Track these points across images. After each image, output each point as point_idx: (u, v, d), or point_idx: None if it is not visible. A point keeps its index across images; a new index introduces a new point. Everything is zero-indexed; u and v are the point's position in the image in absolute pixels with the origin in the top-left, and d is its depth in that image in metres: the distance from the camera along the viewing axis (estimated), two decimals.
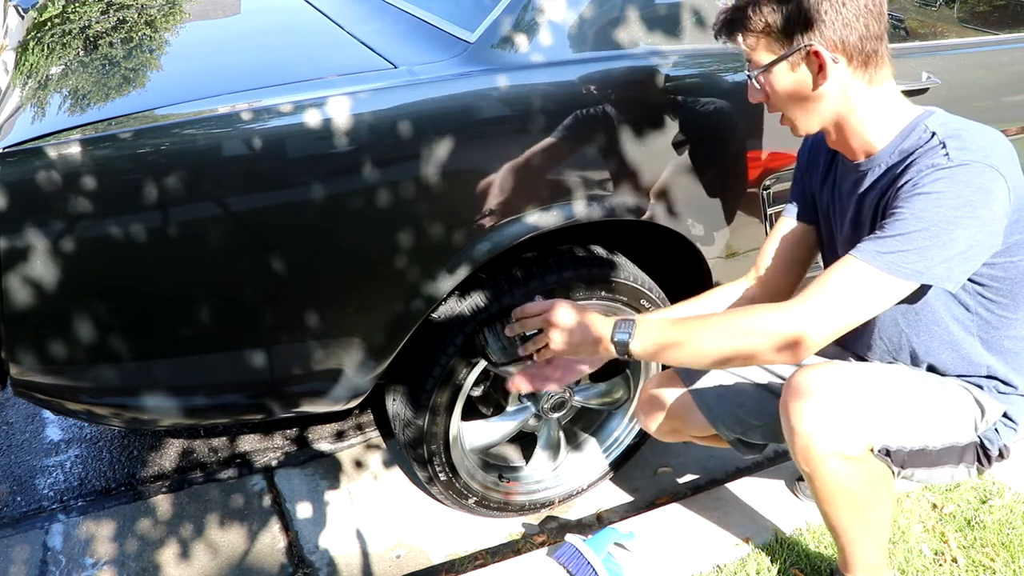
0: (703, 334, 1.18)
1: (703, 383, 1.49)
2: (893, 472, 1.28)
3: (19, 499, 1.89)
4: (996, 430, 1.33)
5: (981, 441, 1.32)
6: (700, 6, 1.52)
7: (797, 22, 1.14)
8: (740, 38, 1.20)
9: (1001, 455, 1.34)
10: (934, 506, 1.74)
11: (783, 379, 1.44)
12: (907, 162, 1.17)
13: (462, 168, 1.35)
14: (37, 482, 1.94)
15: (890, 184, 1.19)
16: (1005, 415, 1.32)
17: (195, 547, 1.79)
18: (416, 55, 1.44)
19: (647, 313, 1.43)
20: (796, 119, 1.24)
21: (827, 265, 1.42)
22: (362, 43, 1.53)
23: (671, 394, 1.51)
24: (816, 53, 1.15)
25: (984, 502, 1.74)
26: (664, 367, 1.73)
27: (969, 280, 1.21)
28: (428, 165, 1.32)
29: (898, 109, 1.22)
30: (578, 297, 1.59)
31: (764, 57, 1.19)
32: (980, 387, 1.32)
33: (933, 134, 1.16)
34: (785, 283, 1.46)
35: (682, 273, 1.79)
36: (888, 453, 1.25)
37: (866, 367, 1.30)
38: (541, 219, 1.44)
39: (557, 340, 1.28)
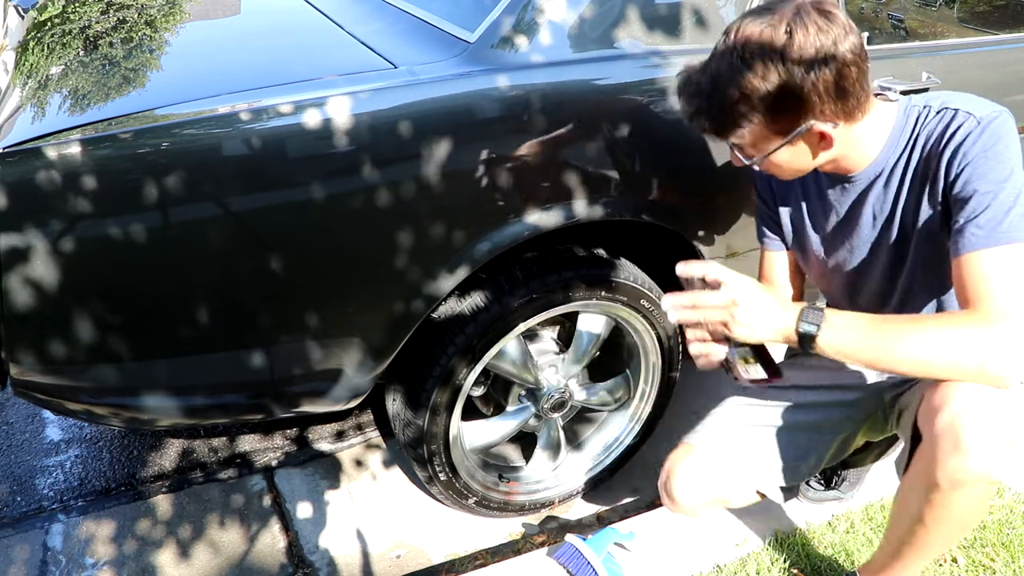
0: (908, 339, 1.08)
1: (733, 454, 1.40)
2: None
3: (19, 499, 1.89)
4: None
5: None
6: (700, 6, 1.52)
7: (794, 109, 1.11)
8: (721, 133, 1.16)
9: None
10: None
11: (810, 407, 1.42)
12: (917, 143, 1.17)
13: (462, 168, 1.35)
14: (37, 482, 1.94)
15: (916, 167, 1.18)
16: None
17: (195, 547, 1.79)
18: (416, 55, 1.44)
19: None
20: (792, 175, 1.24)
21: (817, 278, 1.44)
22: (362, 43, 1.53)
23: (704, 478, 1.39)
24: (820, 132, 1.13)
25: None
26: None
27: None
28: (428, 165, 1.32)
29: (882, 116, 1.21)
30: (578, 297, 1.59)
31: (756, 143, 1.16)
32: None
33: (928, 107, 1.17)
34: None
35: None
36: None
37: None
38: (541, 219, 1.44)
39: (740, 322, 1.13)
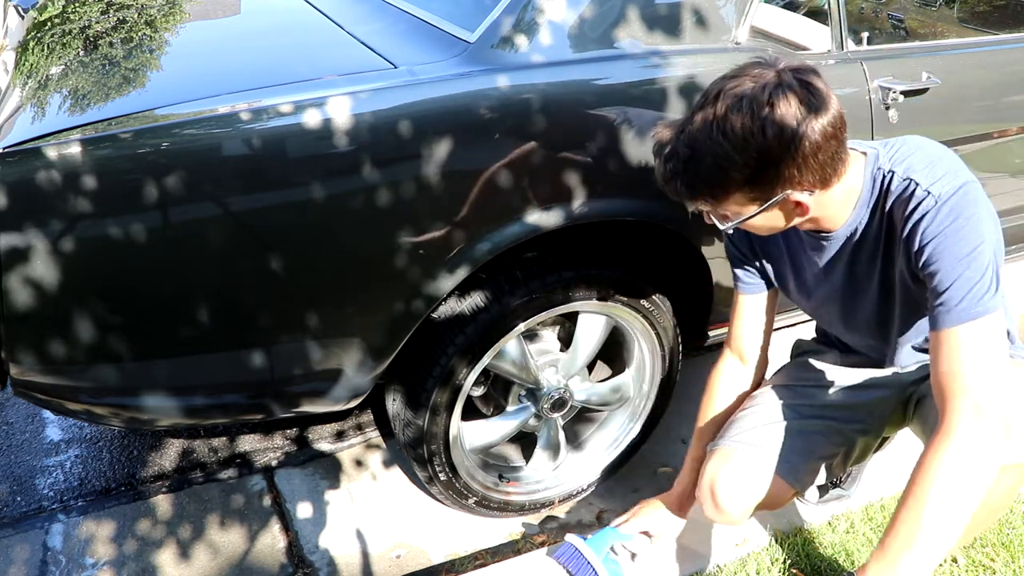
0: (939, 531, 1.06)
1: (770, 454, 1.41)
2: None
3: (19, 499, 1.89)
4: None
5: None
6: (700, 6, 1.52)
7: (771, 181, 1.11)
8: (698, 200, 1.16)
9: None
10: None
11: (833, 406, 1.45)
12: (885, 206, 1.19)
13: (462, 168, 1.35)
14: (37, 482, 1.94)
15: (886, 230, 1.21)
16: None
17: (195, 547, 1.79)
18: (416, 55, 1.44)
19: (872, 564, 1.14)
20: (767, 233, 1.25)
21: (804, 308, 1.47)
22: (362, 43, 1.53)
23: (749, 482, 1.39)
24: (796, 202, 1.14)
25: None
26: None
27: None
28: (428, 165, 1.32)
29: (853, 176, 1.20)
30: (578, 297, 1.59)
31: (734, 208, 1.16)
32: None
33: (892, 172, 1.17)
34: (763, 353, 1.50)
35: (682, 273, 1.79)
36: None
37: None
38: (541, 219, 1.44)
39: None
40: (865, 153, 1.21)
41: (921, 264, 1.13)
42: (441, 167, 1.33)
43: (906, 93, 1.71)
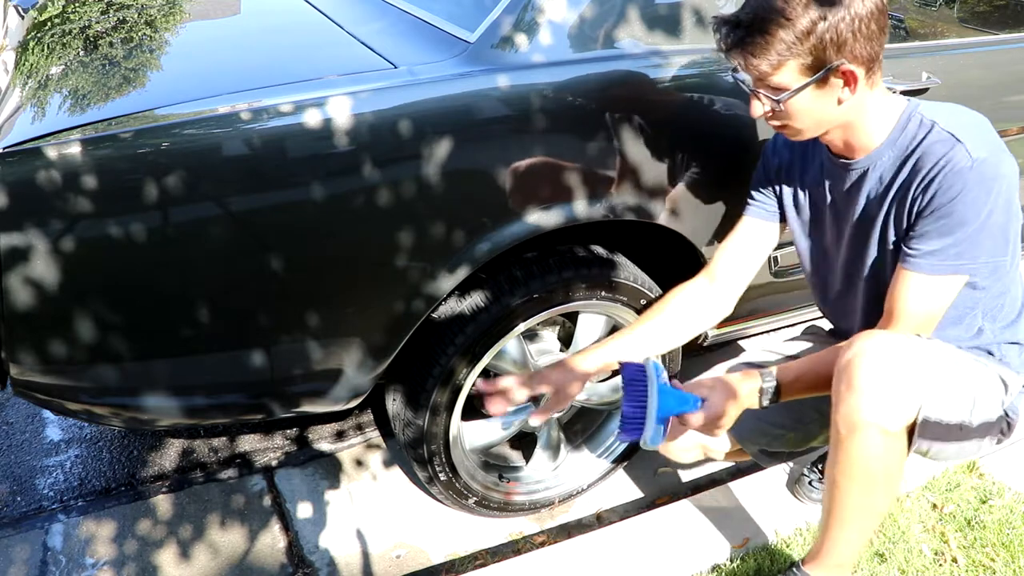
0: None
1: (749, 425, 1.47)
2: (919, 449, 1.27)
3: (19, 499, 1.89)
4: (1016, 401, 1.36)
5: (1006, 413, 1.34)
6: (701, 6, 1.52)
7: (830, 42, 1.14)
8: (758, 62, 1.18)
9: (1016, 422, 1.37)
10: (934, 506, 1.74)
11: None
12: (915, 154, 1.22)
13: (462, 168, 1.35)
14: (37, 482, 1.94)
15: (905, 178, 1.24)
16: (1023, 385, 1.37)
17: (195, 547, 1.79)
18: (416, 55, 1.44)
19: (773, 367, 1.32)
20: (804, 130, 1.26)
21: (806, 260, 1.50)
22: (362, 43, 1.53)
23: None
24: (848, 72, 1.17)
25: (984, 502, 1.74)
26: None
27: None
28: (428, 165, 1.32)
29: (890, 104, 1.26)
30: (578, 297, 1.59)
31: (788, 79, 1.18)
32: (991, 354, 1.36)
33: (934, 124, 1.21)
34: (737, 282, 1.51)
35: (682, 273, 1.79)
36: (926, 425, 1.22)
37: (922, 339, 1.27)
38: (541, 219, 1.44)
39: (715, 423, 1.28)
40: (907, 100, 1.26)
41: (929, 210, 1.20)
42: (441, 167, 1.33)
43: (906, 93, 1.71)
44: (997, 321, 1.36)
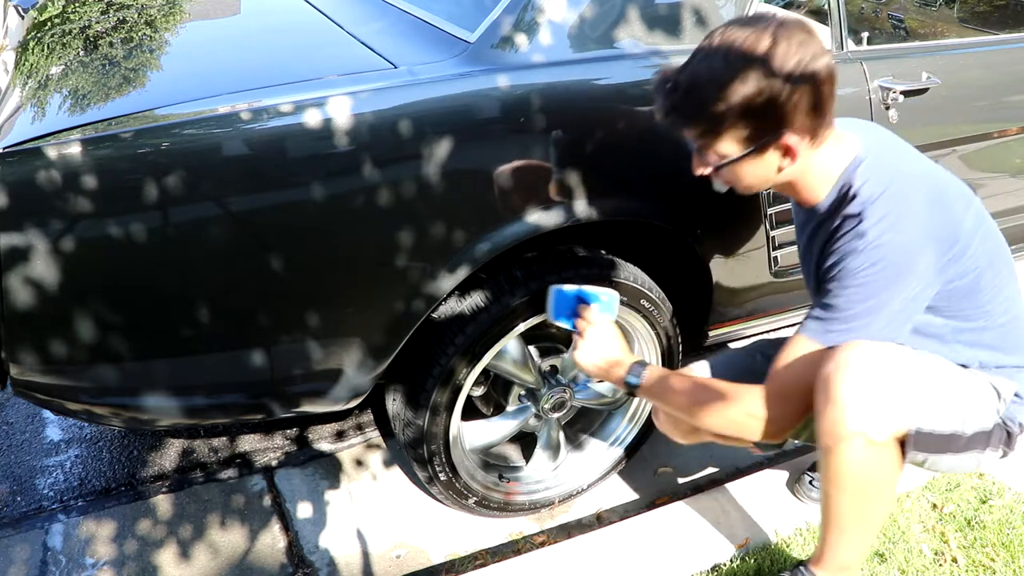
0: (694, 409, 1.32)
1: (737, 369, 1.48)
2: (915, 460, 1.28)
3: (19, 499, 1.89)
4: (1012, 410, 1.36)
5: (1004, 422, 1.34)
6: (701, 6, 1.52)
7: (769, 117, 1.13)
8: (691, 132, 1.19)
9: (1020, 431, 1.36)
10: (934, 506, 1.74)
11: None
12: (836, 219, 1.24)
13: (462, 168, 1.35)
14: (37, 482, 1.94)
15: (827, 239, 1.26)
16: (1016, 394, 1.36)
17: (195, 547, 1.79)
18: (416, 55, 1.44)
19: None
20: (747, 189, 1.27)
21: (801, 264, 1.52)
22: (362, 43, 1.53)
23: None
24: (787, 145, 1.17)
25: (984, 502, 1.74)
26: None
27: (925, 312, 1.27)
28: (428, 165, 1.32)
29: (837, 158, 1.24)
30: None
31: (725, 148, 1.18)
32: (984, 366, 1.35)
33: (857, 193, 1.21)
34: None
35: (682, 273, 1.79)
36: (918, 437, 1.24)
37: (908, 351, 1.29)
38: (541, 219, 1.44)
39: (580, 356, 1.43)
40: (855, 153, 1.24)
41: (829, 274, 1.23)
42: (441, 167, 1.33)
43: (906, 93, 1.71)
44: (984, 347, 1.35)
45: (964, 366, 1.36)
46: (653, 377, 1.38)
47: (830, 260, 1.22)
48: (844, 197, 1.23)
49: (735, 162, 1.19)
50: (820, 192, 1.27)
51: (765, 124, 1.14)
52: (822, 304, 1.23)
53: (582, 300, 1.47)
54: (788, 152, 1.17)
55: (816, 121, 1.15)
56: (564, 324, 1.50)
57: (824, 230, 1.28)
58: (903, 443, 1.25)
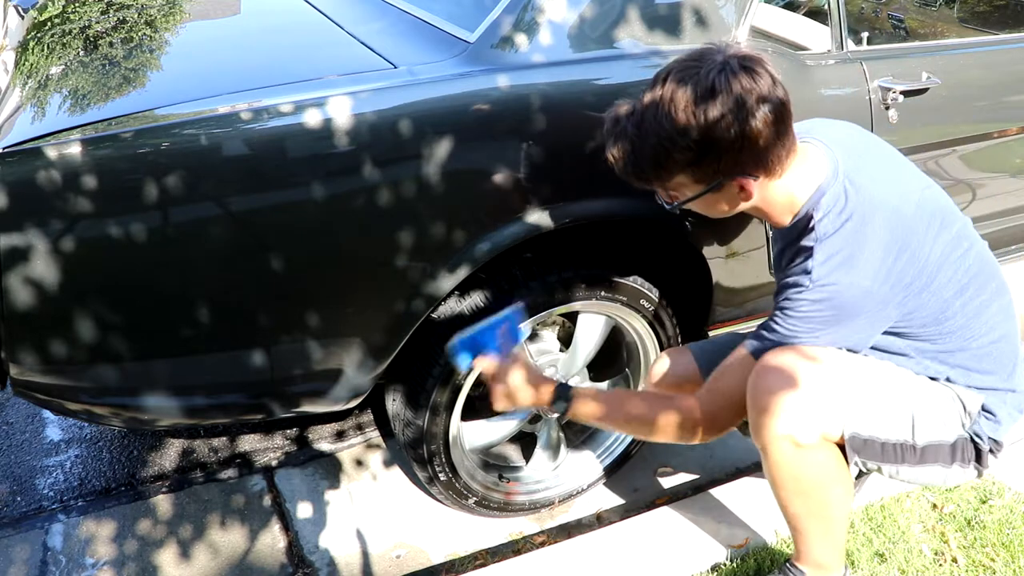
0: (624, 423, 1.37)
1: (710, 360, 1.48)
2: (868, 468, 1.29)
3: (19, 499, 1.89)
4: (979, 425, 1.32)
5: (971, 437, 1.32)
6: (700, 6, 1.52)
7: (715, 163, 1.15)
8: (642, 180, 1.21)
9: (991, 451, 1.33)
10: (934, 506, 1.74)
11: None
12: (795, 247, 1.24)
13: (462, 168, 1.35)
14: (37, 482, 1.94)
15: (787, 262, 1.27)
16: (984, 408, 1.32)
17: (195, 547, 1.79)
18: (416, 55, 1.44)
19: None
20: (718, 216, 1.30)
21: None
22: (362, 43, 1.53)
23: (679, 371, 1.53)
24: (741, 183, 1.18)
25: (984, 502, 1.74)
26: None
27: (885, 334, 1.28)
28: (428, 165, 1.32)
29: (801, 184, 1.23)
30: (578, 296, 1.59)
31: (681, 187, 1.21)
32: (952, 381, 1.33)
33: (812, 229, 1.21)
34: None
35: (683, 273, 1.79)
36: (857, 443, 1.25)
37: (845, 356, 1.28)
38: (541, 219, 1.44)
39: (500, 398, 1.37)
40: (822, 180, 1.23)
41: (776, 300, 1.25)
42: (441, 167, 1.33)
43: (906, 93, 1.71)
44: (955, 366, 1.33)
45: (933, 379, 1.33)
46: (581, 403, 1.36)
47: (783, 283, 1.24)
48: (804, 228, 1.23)
49: (693, 199, 1.23)
50: (784, 219, 1.27)
51: (714, 171, 1.16)
52: (766, 324, 1.25)
53: (477, 343, 1.36)
54: (743, 189, 1.19)
55: (766, 159, 1.16)
56: (466, 366, 1.39)
57: (786, 254, 1.29)
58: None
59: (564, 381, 1.41)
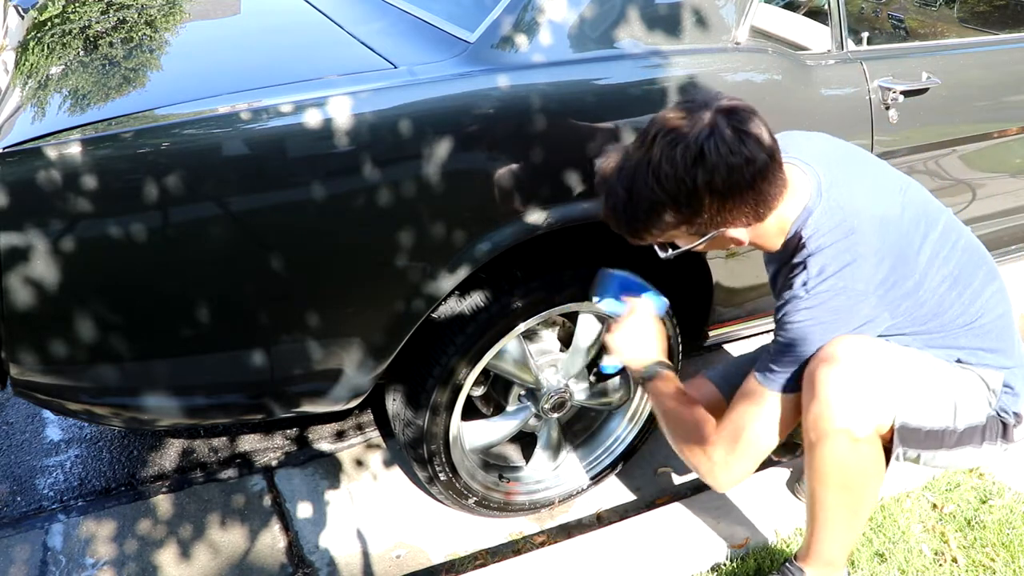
0: (671, 427, 1.39)
1: (732, 385, 1.48)
2: (908, 457, 1.30)
3: (19, 499, 1.89)
4: (1003, 401, 1.35)
5: (998, 414, 1.34)
6: (700, 6, 1.52)
7: (707, 222, 1.18)
8: (638, 237, 1.24)
9: (1016, 424, 1.36)
10: (934, 506, 1.74)
11: None
12: (788, 265, 1.27)
13: (462, 168, 1.35)
14: (37, 482, 1.94)
15: (782, 281, 1.30)
16: (1005, 384, 1.35)
17: (195, 547, 1.79)
18: (416, 55, 1.44)
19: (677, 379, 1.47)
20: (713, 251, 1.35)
21: None
22: (362, 43, 1.53)
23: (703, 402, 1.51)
24: (731, 236, 1.21)
25: (984, 502, 1.74)
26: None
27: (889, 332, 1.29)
28: (428, 165, 1.32)
29: (788, 211, 1.25)
30: (578, 296, 1.59)
31: (678, 241, 1.25)
32: (964, 362, 1.35)
33: (803, 246, 1.23)
34: None
35: (683, 273, 1.79)
36: (905, 432, 1.27)
37: (894, 347, 1.30)
38: (541, 219, 1.44)
39: (616, 338, 1.46)
40: (807, 200, 1.24)
41: (776, 320, 1.28)
42: (441, 167, 1.33)
43: (906, 93, 1.71)
44: (961, 348, 1.35)
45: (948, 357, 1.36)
46: (662, 382, 1.41)
47: (779, 303, 1.26)
48: (796, 247, 1.26)
49: (685, 251, 1.26)
50: (775, 244, 1.29)
51: (707, 226, 1.19)
52: (771, 347, 1.28)
53: (628, 288, 1.49)
54: (734, 239, 1.23)
55: (756, 210, 1.18)
56: (610, 307, 1.50)
57: (782, 274, 1.31)
58: (890, 439, 1.27)
59: (668, 368, 1.45)
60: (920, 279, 1.24)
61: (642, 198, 1.16)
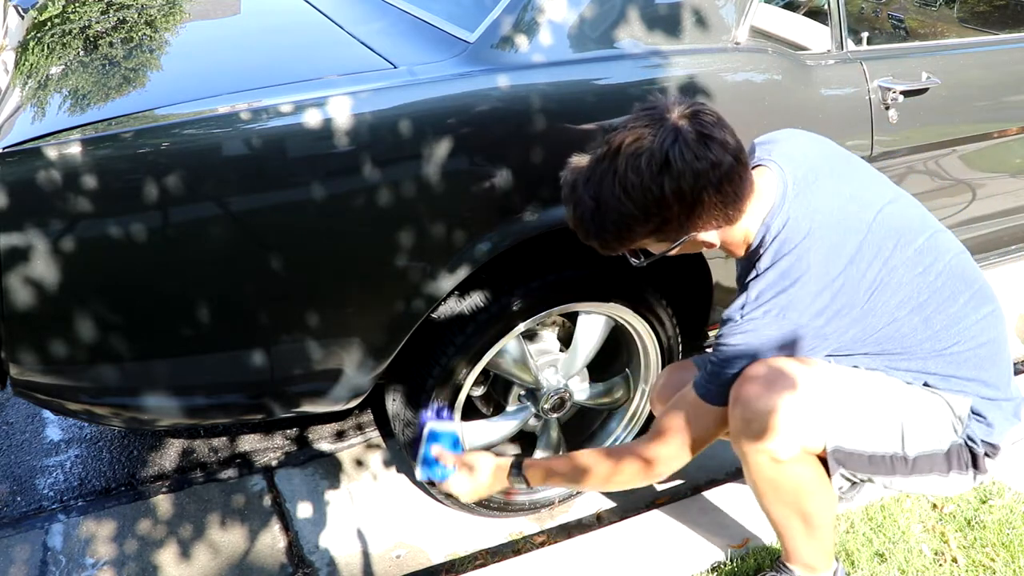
0: (583, 480, 1.39)
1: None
2: (844, 476, 1.28)
3: (19, 499, 1.89)
4: (971, 429, 1.30)
5: (965, 443, 1.29)
6: (700, 6, 1.52)
7: (677, 229, 1.17)
8: (607, 248, 1.23)
9: (987, 455, 1.30)
10: (934, 506, 1.74)
11: None
12: (745, 277, 1.26)
13: (462, 168, 1.35)
14: (37, 482, 1.94)
15: (741, 286, 1.30)
16: (973, 411, 1.30)
17: (195, 547, 1.79)
18: (416, 55, 1.44)
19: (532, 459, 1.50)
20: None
21: None
22: (362, 43, 1.53)
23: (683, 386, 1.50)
24: (702, 240, 1.21)
25: (984, 502, 1.74)
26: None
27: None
28: (428, 165, 1.32)
29: (753, 217, 1.23)
30: (578, 296, 1.59)
31: (650, 247, 1.24)
32: (931, 387, 1.30)
33: (760, 257, 1.22)
34: None
35: (683, 273, 1.79)
36: (840, 455, 1.25)
37: (832, 368, 1.28)
38: (541, 219, 1.44)
39: (459, 493, 1.47)
40: (767, 210, 1.23)
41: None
42: (441, 167, 1.33)
43: (906, 93, 1.71)
44: (930, 373, 1.30)
45: (910, 384, 1.31)
46: (538, 470, 1.43)
47: (720, 319, 1.26)
48: (753, 255, 1.25)
49: (659, 256, 1.26)
50: (740, 251, 1.29)
51: (676, 232, 1.18)
52: (708, 360, 1.27)
53: (436, 440, 1.49)
54: (705, 242, 1.22)
55: (725, 213, 1.17)
56: (433, 475, 1.49)
57: (740, 283, 1.31)
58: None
59: (519, 457, 1.47)
60: (870, 305, 1.20)
61: (610, 208, 1.15)
